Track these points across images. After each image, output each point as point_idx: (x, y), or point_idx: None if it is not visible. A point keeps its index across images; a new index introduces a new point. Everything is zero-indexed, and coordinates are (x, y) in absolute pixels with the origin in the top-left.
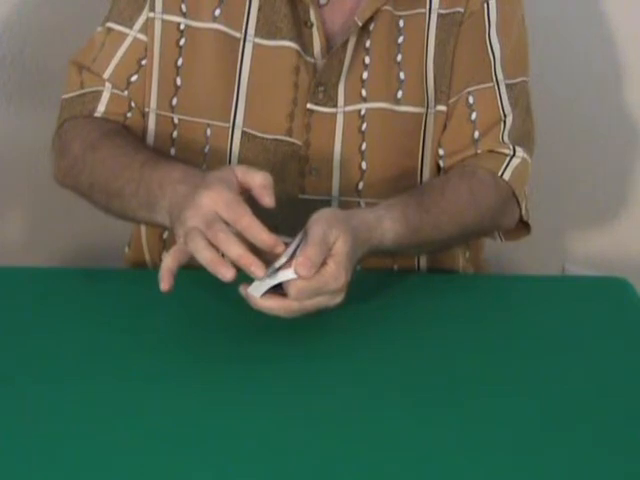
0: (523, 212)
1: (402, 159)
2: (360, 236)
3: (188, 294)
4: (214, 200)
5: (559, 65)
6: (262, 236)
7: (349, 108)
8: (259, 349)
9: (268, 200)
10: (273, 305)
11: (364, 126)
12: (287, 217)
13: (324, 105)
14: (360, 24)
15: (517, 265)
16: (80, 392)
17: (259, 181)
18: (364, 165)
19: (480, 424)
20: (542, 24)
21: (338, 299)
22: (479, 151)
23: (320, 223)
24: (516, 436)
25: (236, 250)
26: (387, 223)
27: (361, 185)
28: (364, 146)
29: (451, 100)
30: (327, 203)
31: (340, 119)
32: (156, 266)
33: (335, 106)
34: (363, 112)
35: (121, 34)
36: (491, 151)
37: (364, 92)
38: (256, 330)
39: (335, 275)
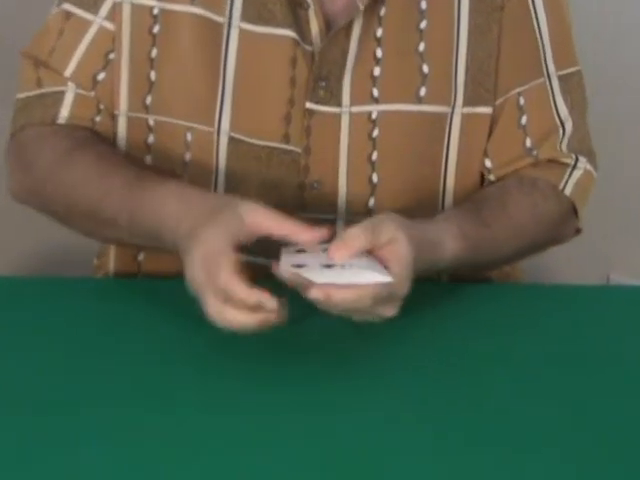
0: (580, 224)
1: (421, 168)
2: (420, 251)
3: (169, 305)
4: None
5: (605, 57)
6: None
7: (356, 109)
8: (257, 363)
9: (318, 234)
10: (353, 295)
11: (375, 132)
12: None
13: (325, 104)
14: (361, 7)
15: (557, 274)
16: (48, 413)
17: (299, 226)
18: (375, 178)
19: (516, 443)
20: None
21: (393, 311)
22: (536, 160)
23: (382, 215)
24: (560, 456)
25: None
26: (448, 241)
27: (372, 202)
28: (375, 155)
29: (497, 102)
30: (332, 223)
31: (345, 121)
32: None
33: (339, 105)
34: (375, 116)
35: (83, 22)
36: (550, 160)
37: (375, 92)
38: (253, 342)
39: (402, 281)
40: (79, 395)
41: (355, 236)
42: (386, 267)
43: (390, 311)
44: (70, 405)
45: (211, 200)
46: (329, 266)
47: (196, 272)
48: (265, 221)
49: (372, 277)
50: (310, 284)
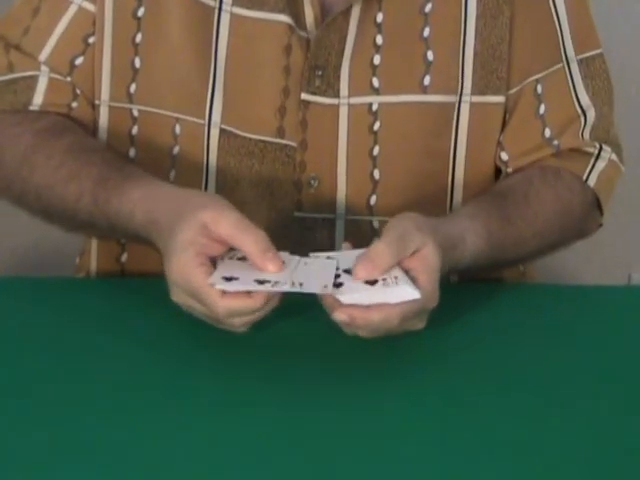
0: (602, 219)
1: (427, 163)
2: (445, 253)
3: (158, 305)
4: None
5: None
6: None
7: (355, 100)
8: (254, 362)
9: (272, 267)
10: (380, 316)
11: (377, 125)
12: (279, 241)
13: (322, 94)
14: None
15: (576, 274)
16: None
17: (255, 247)
18: (377, 174)
19: (531, 455)
20: None
21: (421, 324)
22: (558, 150)
23: (404, 220)
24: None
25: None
26: (470, 240)
27: (373, 199)
28: (377, 150)
29: (512, 90)
30: (330, 222)
31: (344, 113)
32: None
33: (337, 96)
34: (375, 107)
35: (61, 1)
36: (573, 150)
37: (376, 82)
38: (250, 341)
39: (431, 294)
40: (65, 397)
41: (383, 253)
42: (413, 278)
43: (418, 325)
44: (56, 407)
45: (173, 208)
46: (261, 281)
47: (181, 295)
48: (228, 234)
49: (401, 295)
50: (336, 304)
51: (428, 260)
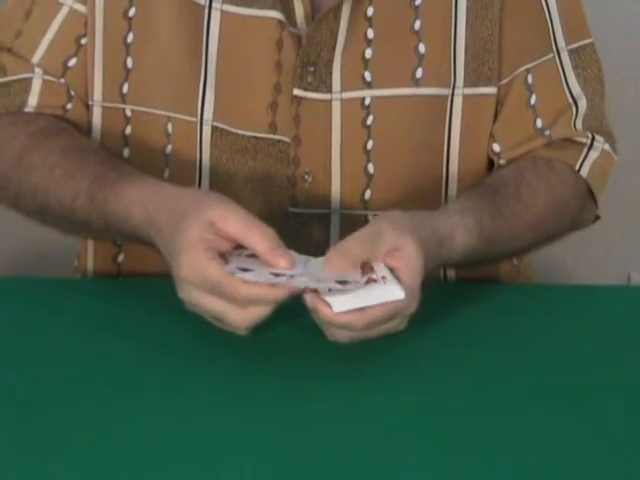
0: (598, 211)
1: (421, 156)
2: (430, 250)
3: (156, 305)
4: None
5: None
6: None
7: (348, 95)
8: (252, 366)
9: (284, 263)
10: (350, 319)
11: (370, 119)
12: None
13: (315, 90)
14: None
15: (575, 274)
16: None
17: (265, 244)
18: (371, 168)
19: (530, 460)
20: None
21: (402, 326)
22: (550, 140)
23: (382, 220)
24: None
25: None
26: (459, 235)
27: (368, 194)
28: (370, 144)
29: (503, 81)
30: (325, 217)
31: (336, 108)
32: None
33: (329, 92)
34: (368, 101)
35: (53, 3)
36: (565, 139)
37: (368, 76)
38: (249, 343)
39: (412, 296)
40: (63, 398)
41: (352, 246)
42: (397, 278)
43: (399, 327)
44: (54, 407)
45: (175, 207)
46: (276, 274)
47: (191, 291)
48: (237, 232)
49: (386, 295)
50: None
51: (411, 261)
